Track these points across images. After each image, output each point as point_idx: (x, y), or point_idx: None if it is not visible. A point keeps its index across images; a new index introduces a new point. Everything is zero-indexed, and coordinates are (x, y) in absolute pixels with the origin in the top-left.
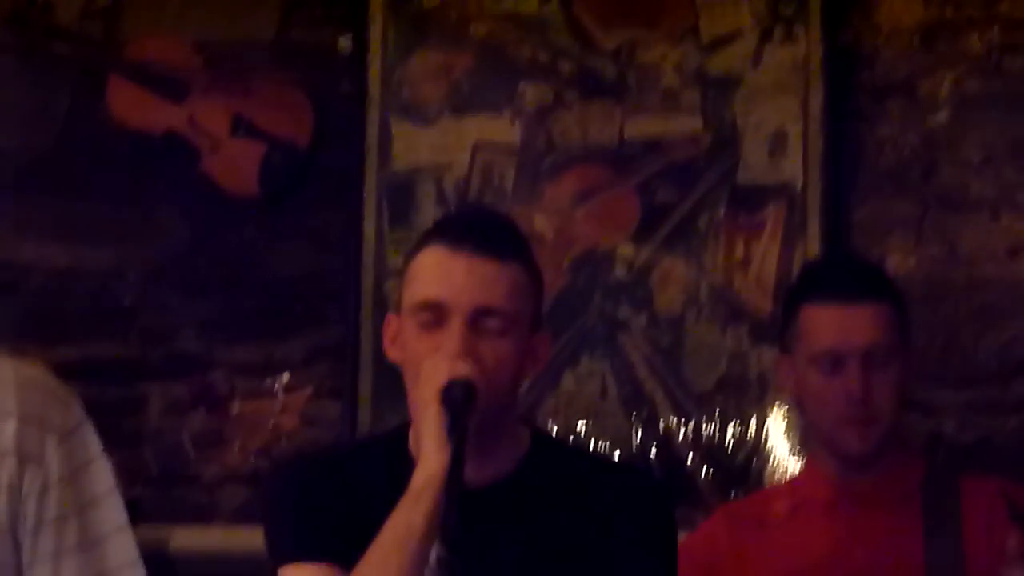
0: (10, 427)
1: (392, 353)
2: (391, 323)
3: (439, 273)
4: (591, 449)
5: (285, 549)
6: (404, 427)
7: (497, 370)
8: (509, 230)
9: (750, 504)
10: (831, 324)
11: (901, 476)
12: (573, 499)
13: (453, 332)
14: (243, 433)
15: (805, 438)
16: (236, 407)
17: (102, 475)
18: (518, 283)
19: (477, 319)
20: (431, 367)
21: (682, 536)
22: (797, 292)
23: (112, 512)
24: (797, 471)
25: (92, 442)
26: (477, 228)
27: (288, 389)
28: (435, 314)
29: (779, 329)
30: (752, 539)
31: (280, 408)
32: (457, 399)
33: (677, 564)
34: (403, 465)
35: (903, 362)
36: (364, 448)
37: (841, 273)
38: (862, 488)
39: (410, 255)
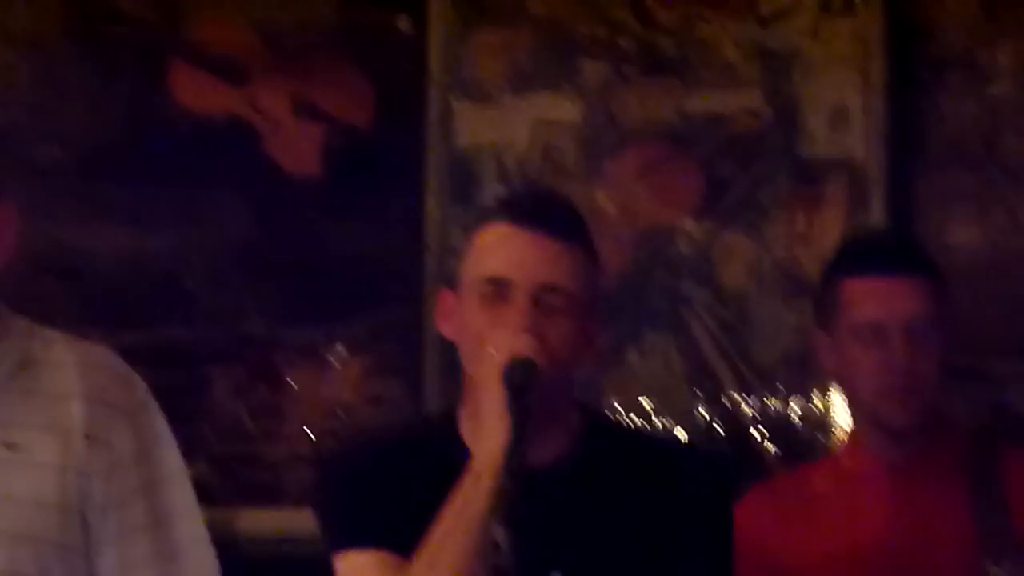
0: (77, 407)
1: (446, 328)
2: (447, 298)
3: (505, 249)
4: (645, 431)
5: (340, 537)
6: (453, 411)
7: (558, 349)
8: (573, 212)
9: (790, 481)
10: (874, 296)
11: (944, 450)
12: (629, 480)
13: (517, 307)
14: (304, 408)
15: (851, 414)
16: (296, 382)
17: (169, 455)
18: (581, 265)
19: (541, 296)
20: (494, 343)
21: None
22: (835, 268)
23: (180, 492)
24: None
25: (159, 422)
26: (543, 207)
27: (345, 363)
28: (499, 289)
29: (816, 307)
30: (797, 515)
31: (340, 382)
32: (519, 377)
33: (732, 541)
34: (455, 449)
35: (943, 335)
36: (415, 433)
37: (880, 248)
38: (907, 463)
39: (472, 230)
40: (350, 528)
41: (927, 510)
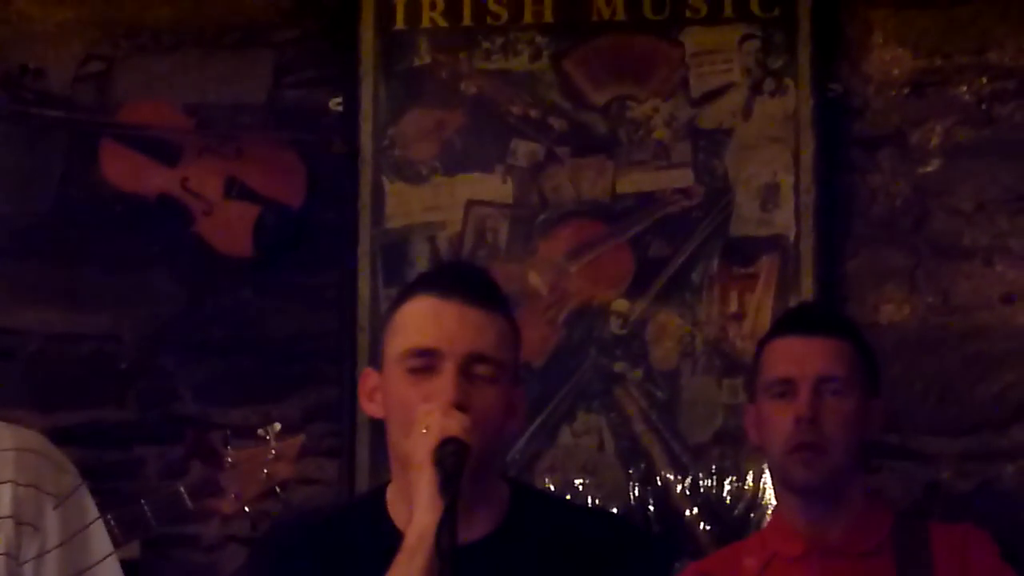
0: (7, 493)
1: (370, 407)
2: (369, 377)
3: (430, 321)
4: (573, 501)
5: None
6: (381, 490)
7: (487, 419)
8: (492, 283)
9: (718, 562)
10: (786, 353)
11: (870, 527)
12: (558, 553)
13: (446, 378)
14: (238, 483)
15: (776, 493)
16: (230, 457)
17: (99, 539)
18: (505, 333)
19: (469, 366)
20: (423, 421)
21: None
22: (762, 340)
23: None
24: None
25: (89, 507)
26: (464, 279)
27: (280, 438)
28: (426, 361)
29: (749, 380)
30: None
31: (274, 456)
32: (450, 459)
33: None
34: (383, 527)
35: (860, 402)
36: (344, 513)
37: (803, 312)
38: (832, 541)
39: (394, 307)
40: None
41: None
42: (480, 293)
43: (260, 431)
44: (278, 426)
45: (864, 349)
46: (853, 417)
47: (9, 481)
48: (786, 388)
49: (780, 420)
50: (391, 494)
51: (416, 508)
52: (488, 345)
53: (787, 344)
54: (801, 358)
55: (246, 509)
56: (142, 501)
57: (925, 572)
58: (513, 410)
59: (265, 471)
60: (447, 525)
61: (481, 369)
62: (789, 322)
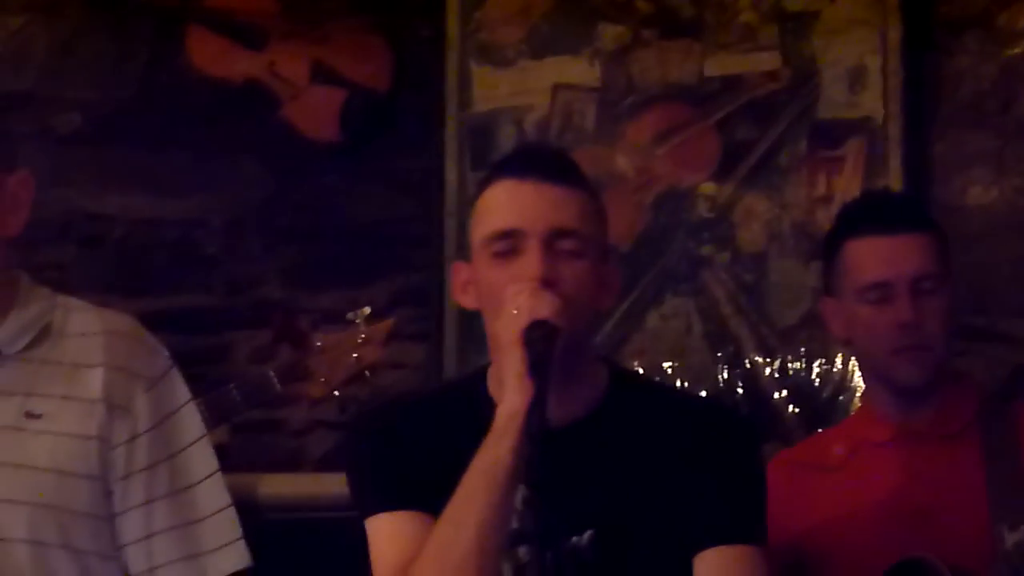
0: (98, 376)
1: (465, 300)
2: (461, 270)
3: (510, 202)
4: (671, 385)
5: (372, 499)
6: (483, 370)
7: (577, 293)
8: (570, 161)
9: (805, 450)
10: (878, 255)
11: (957, 410)
12: (656, 436)
13: (531, 256)
14: (327, 367)
15: (864, 379)
16: (319, 341)
17: (190, 423)
18: (587, 207)
19: (553, 241)
20: (513, 302)
21: None
22: (837, 231)
23: (202, 459)
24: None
25: (180, 390)
26: (540, 159)
27: (369, 322)
28: (510, 243)
29: (823, 273)
30: (812, 484)
31: (363, 340)
32: (539, 340)
33: (766, 497)
34: (484, 408)
35: (950, 293)
36: (444, 393)
37: (881, 207)
38: (919, 425)
39: (476, 197)
40: (380, 492)
41: (939, 473)
42: (557, 170)
43: (349, 315)
44: (367, 310)
45: (941, 233)
46: (948, 308)
47: (100, 364)
48: (882, 292)
49: (880, 324)
50: (492, 373)
51: (507, 390)
52: (569, 219)
53: (874, 245)
54: (893, 260)
55: (335, 393)
56: (231, 385)
57: (1011, 451)
58: (605, 287)
59: (354, 355)
60: (537, 408)
61: (566, 244)
62: (868, 218)
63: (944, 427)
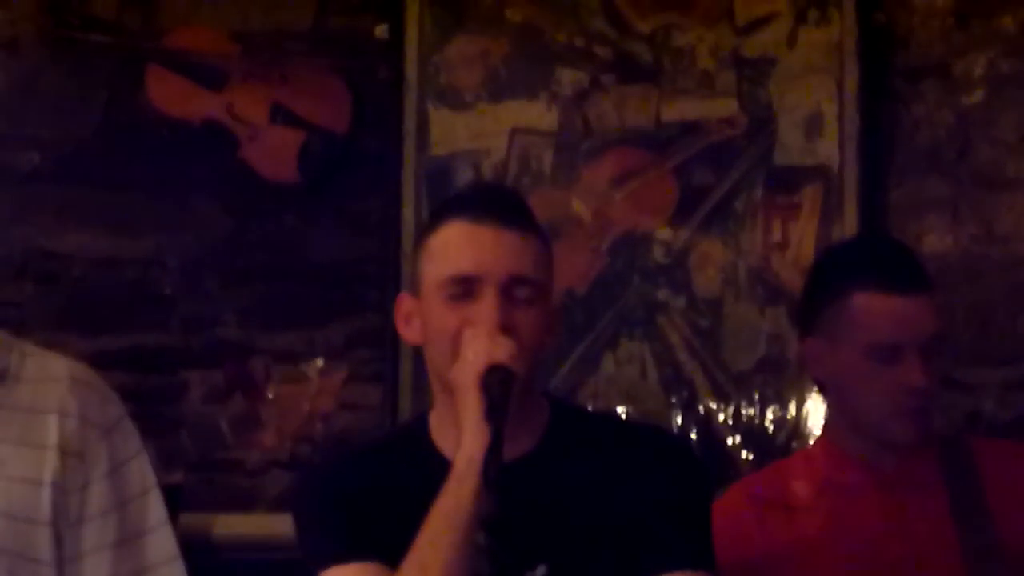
0: (53, 422)
1: (407, 333)
2: (404, 301)
3: (467, 247)
4: (611, 412)
5: (323, 552)
6: (423, 417)
7: (530, 338)
8: (523, 203)
9: (768, 485)
10: (891, 315)
11: (921, 456)
12: (600, 464)
13: (488, 303)
14: (279, 417)
15: (828, 420)
16: (272, 391)
17: (142, 471)
18: (539, 252)
19: (510, 288)
20: (469, 346)
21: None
22: (842, 276)
23: (152, 508)
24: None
25: (132, 437)
26: (496, 201)
27: (324, 372)
28: (466, 287)
29: (808, 310)
30: (780, 525)
31: (316, 391)
32: (496, 385)
33: (709, 513)
34: (428, 456)
35: (944, 347)
36: (388, 442)
37: (891, 260)
38: (888, 470)
39: (425, 234)
40: (331, 544)
41: (912, 525)
42: (513, 214)
43: (302, 366)
44: (320, 362)
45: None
46: (941, 366)
47: (55, 411)
48: (891, 353)
49: (884, 384)
50: (434, 420)
51: (464, 434)
52: (526, 267)
53: (887, 304)
54: (908, 322)
55: (287, 444)
56: (182, 432)
57: (976, 500)
58: (550, 327)
59: (307, 406)
60: (494, 452)
61: (521, 292)
62: (879, 271)
63: (915, 475)
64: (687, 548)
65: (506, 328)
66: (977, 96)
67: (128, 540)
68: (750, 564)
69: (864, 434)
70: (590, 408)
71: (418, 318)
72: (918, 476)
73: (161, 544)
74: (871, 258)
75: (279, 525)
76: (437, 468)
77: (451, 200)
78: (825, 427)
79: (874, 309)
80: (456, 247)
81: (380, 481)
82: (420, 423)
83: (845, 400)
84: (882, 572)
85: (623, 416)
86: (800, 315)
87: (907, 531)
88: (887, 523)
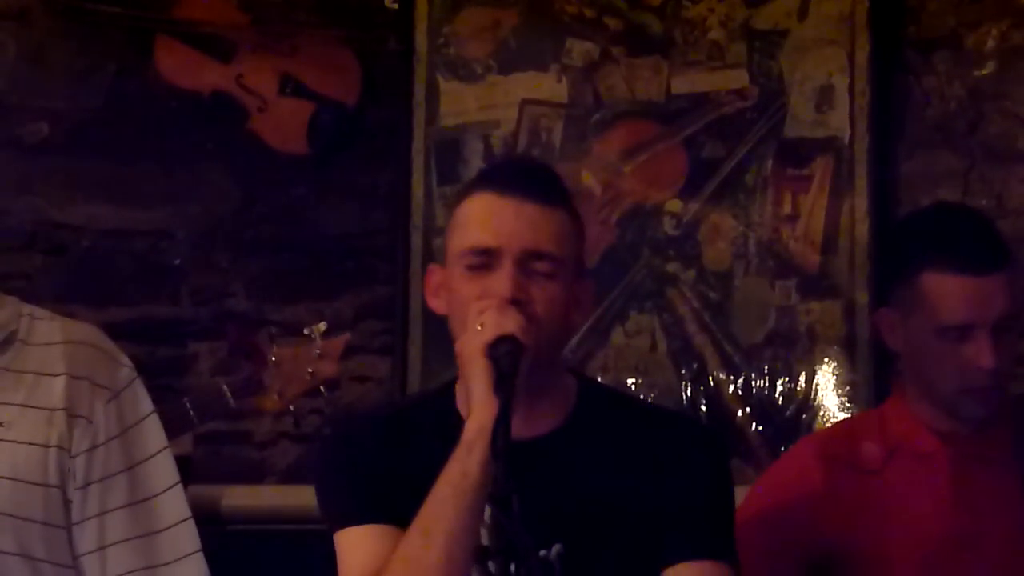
0: (60, 385)
1: (435, 303)
2: (434, 273)
3: (488, 218)
4: (640, 397)
5: (341, 513)
6: (451, 384)
7: (547, 313)
8: (554, 178)
9: (838, 445)
10: (963, 297)
11: (999, 432)
12: (625, 449)
13: (503, 275)
14: (282, 381)
15: (902, 384)
16: (279, 359)
17: (152, 434)
18: (564, 228)
19: (527, 262)
20: (478, 317)
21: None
22: (914, 251)
23: (163, 471)
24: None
25: (142, 402)
26: (523, 175)
27: (325, 337)
28: (484, 258)
29: (884, 280)
30: (849, 485)
31: (319, 354)
32: (503, 356)
33: (734, 508)
34: (453, 422)
35: (1020, 323)
36: (413, 407)
37: (964, 235)
38: (961, 441)
39: (455, 203)
40: (349, 506)
41: (983, 499)
42: (539, 188)
43: (305, 330)
44: (323, 325)
45: (1014, 262)
46: (1017, 342)
47: (63, 374)
48: (961, 333)
49: (955, 362)
50: (459, 388)
51: (473, 404)
52: (545, 241)
53: (959, 285)
54: (979, 303)
55: (290, 407)
56: (185, 399)
57: None
58: (579, 303)
59: (309, 370)
60: (502, 424)
61: (539, 265)
62: (953, 251)
63: (987, 449)
64: (711, 539)
65: (519, 301)
66: (989, 68)
67: (138, 502)
68: (812, 520)
69: (936, 405)
70: (617, 388)
71: (445, 289)
72: (991, 450)
73: (172, 506)
74: (945, 235)
75: (288, 497)
76: (459, 433)
77: (482, 172)
78: (900, 390)
79: (945, 290)
80: (478, 219)
81: (403, 445)
82: (446, 390)
83: (917, 372)
84: (944, 543)
85: (652, 402)
86: (878, 284)
87: (974, 504)
88: (955, 494)
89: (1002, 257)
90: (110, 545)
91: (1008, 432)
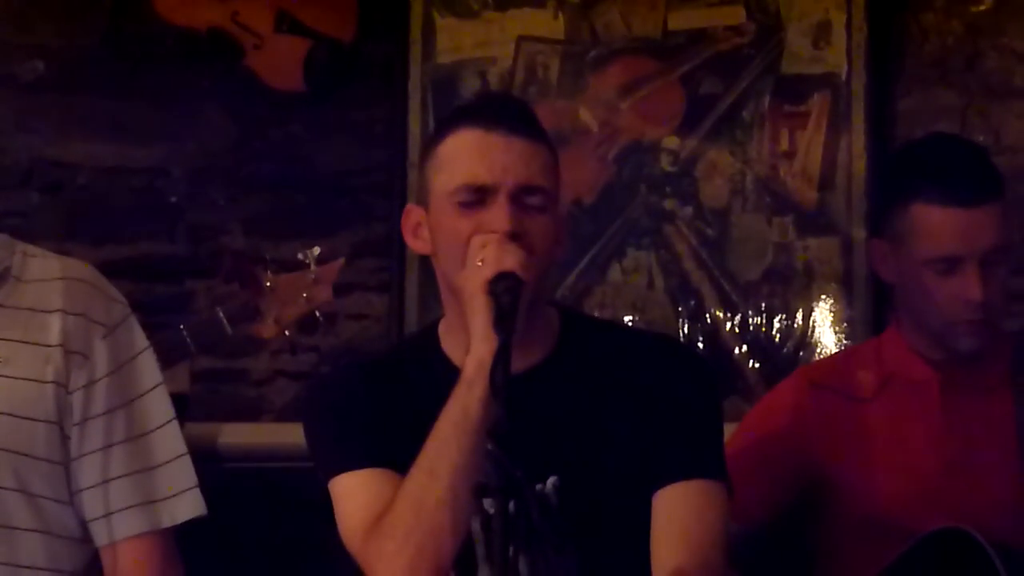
0: (56, 322)
1: (415, 243)
2: (412, 212)
3: (479, 155)
4: (622, 323)
5: (336, 460)
6: (433, 325)
7: (541, 247)
8: (532, 113)
9: (831, 374)
10: (951, 229)
11: (993, 364)
12: (612, 375)
13: (500, 210)
14: (277, 307)
15: (898, 315)
16: (269, 281)
17: (148, 370)
18: (549, 161)
19: (521, 196)
20: (478, 253)
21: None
22: (905, 183)
23: (158, 406)
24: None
25: (137, 337)
26: (507, 110)
27: (319, 261)
28: (478, 195)
29: (877, 210)
30: (841, 413)
31: (313, 279)
32: (504, 292)
33: (723, 427)
34: (439, 365)
35: (1011, 257)
36: (395, 352)
37: (955, 167)
38: (955, 371)
39: (434, 142)
40: (343, 452)
41: (975, 428)
42: (523, 123)
43: (300, 255)
44: (317, 250)
45: (1005, 195)
46: (1007, 276)
47: (58, 310)
48: (949, 265)
49: (944, 294)
50: (443, 328)
51: (473, 340)
52: (537, 175)
53: (947, 216)
54: (966, 235)
55: (286, 333)
56: (181, 327)
57: None
58: (559, 237)
59: (304, 295)
60: (501, 361)
61: (532, 200)
62: (943, 183)
63: (981, 379)
64: (702, 458)
65: (516, 235)
66: (986, 4)
67: (135, 438)
68: (802, 445)
69: (928, 335)
70: (598, 316)
71: (426, 228)
72: (985, 380)
73: (168, 442)
74: (935, 166)
75: (285, 434)
76: (447, 375)
77: (459, 109)
78: (897, 321)
79: (933, 222)
80: (467, 155)
81: (390, 389)
82: (430, 332)
83: (909, 303)
84: (935, 471)
85: (634, 326)
86: (873, 214)
87: (966, 433)
88: (947, 421)
89: (992, 189)
90: (109, 480)
91: (1004, 364)
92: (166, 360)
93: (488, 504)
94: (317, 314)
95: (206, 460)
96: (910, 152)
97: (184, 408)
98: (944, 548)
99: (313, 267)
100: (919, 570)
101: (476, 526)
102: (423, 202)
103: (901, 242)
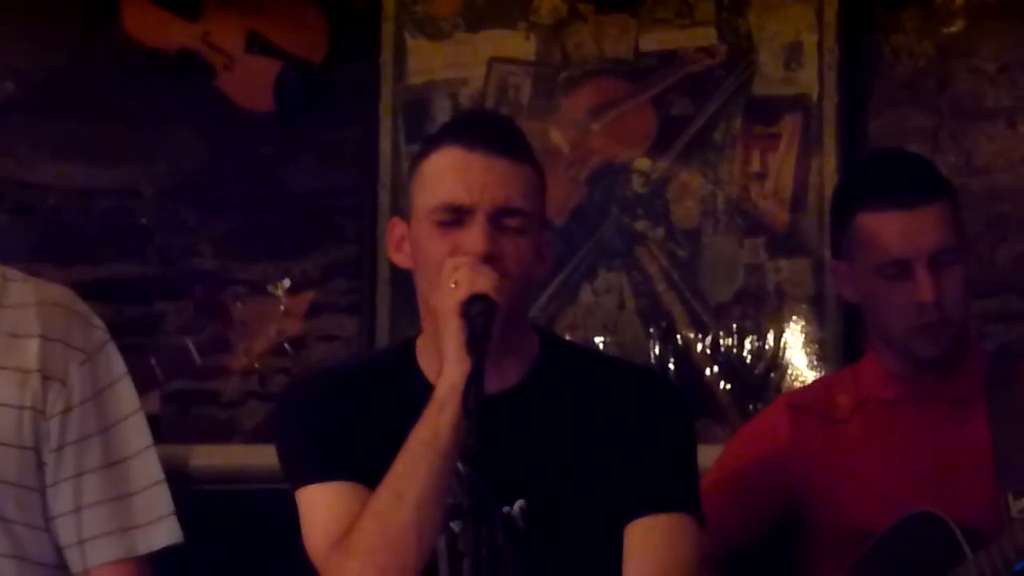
0: (34, 347)
1: (398, 258)
2: (396, 226)
3: (458, 174)
4: (601, 351)
5: (304, 470)
6: (411, 340)
7: (517, 270)
8: (518, 132)
9: (810, 396)
10: (894, 231)
11: (966, 374)
12: (588, 403)
13: (476, 232)
14: (247, 339)
15: (867, 335)
16: (246, 318)
17: (126, 396)
18: (532, 182)
19: (498, 218)
20: (452, 274)
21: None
22: (849, 197)
23: (136, 432)
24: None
25: (116, 363)
26: (490, 130)
27: (289, 294)
28: (456, 215)
29: (832, 233)
30: (817, 434)
31: (283, 311)
32: (478, 315)
33: (696, 461)
34: (414, 380)
35: (966, 258)
36: (371, 362)
37: (895, 174)
38: (928, 387)
39: (419, 158)
40: (312, 462)
41: (947, 439)
42: (506, 142)
43: (269, 287)
44: (287, 282)
45: (955, 196)
46: (965, 277)
47: (37, 335)
48: (899, 269)
49: (897, 300)
50: (421, 345)
51: (445, 362)
52: (516, 196)
53: (889, 220)
54: (911, 236)
55: (255, 365)
56: (151, 358)
57: (1018, 416)
58: (542, 258)
59: (274, 327)
60: (474, 383)
61: (510, 222)
62: (882, 188)
63: (954, 391)
64: (677, 491)
65: (492, 258)
66: (957, 26)
67: (111, 464)
68: (779, 470)
69: (895, 350)
70: (577, 342)
71: (409, 243)
72: (958, 391)
73: (145, 468)
74: (875, 175)
75: (256, 456)
76: (422, 391)
77: (446, 125)
78: (870, 344)
79: (877, 227)
80: (447, 174)
81: (362, 402)
82: (407, 347)
83: (872, 319)
84: (909, 483)
85: (613, 355)
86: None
87: (939, 445)
88: (919, 436)
89: (934, 190)
90: (83, 507)
91: (978, 376)
92: (139, 389)
93: (454, 524)
94: (287, 346)
95: (176, 482)
96: (852, 170)
97: (155, 430)
98: (916, 531)
99: (283, 300)
100: (893, 552)
101: (441, 544)
102: (407, 217)
103: (854, 256)
